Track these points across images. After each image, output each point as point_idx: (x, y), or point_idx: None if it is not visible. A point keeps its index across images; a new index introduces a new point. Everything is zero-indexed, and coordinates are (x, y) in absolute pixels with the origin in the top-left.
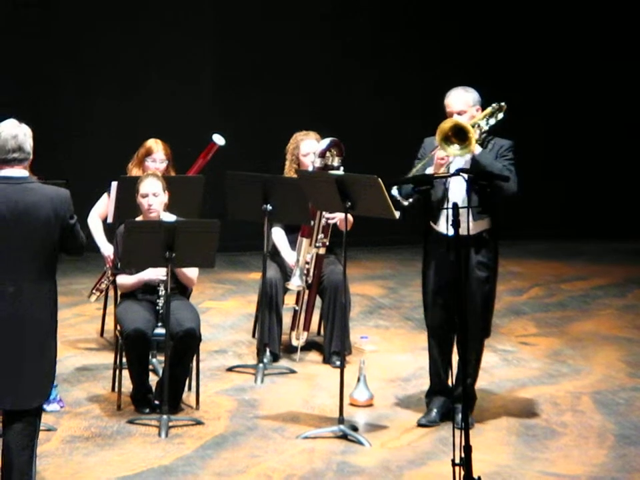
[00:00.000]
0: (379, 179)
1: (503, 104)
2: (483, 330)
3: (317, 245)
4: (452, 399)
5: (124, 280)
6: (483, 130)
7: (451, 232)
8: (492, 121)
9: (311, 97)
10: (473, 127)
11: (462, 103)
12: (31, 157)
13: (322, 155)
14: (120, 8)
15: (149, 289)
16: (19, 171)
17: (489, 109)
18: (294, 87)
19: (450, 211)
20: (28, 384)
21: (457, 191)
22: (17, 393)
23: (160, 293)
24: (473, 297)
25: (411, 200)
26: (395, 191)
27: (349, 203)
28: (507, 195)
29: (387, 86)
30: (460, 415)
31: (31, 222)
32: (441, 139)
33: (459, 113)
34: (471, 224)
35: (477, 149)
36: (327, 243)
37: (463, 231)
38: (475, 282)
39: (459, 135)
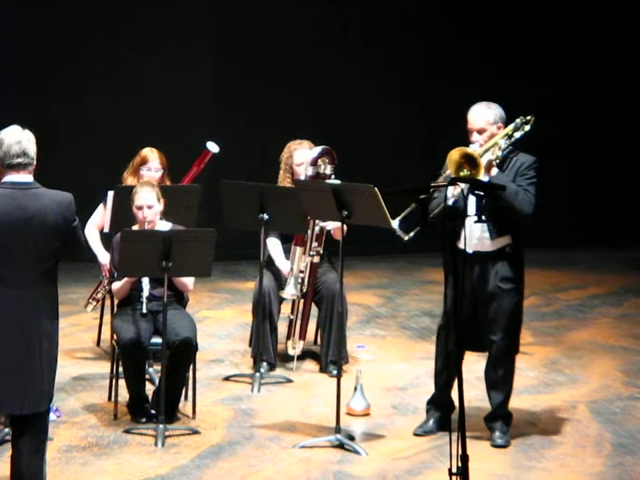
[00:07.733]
0: (376, 188)
1: (529, 117)
2: (510, 346)
3: (311, 253)
4: (460, 411)
5: (115, 285)
6: (502, 148)
7: (465, 247)
8: (518, 134)
9: (307, 105)
10: (490, 148)
11: (482, 120)
12: (35, 162)
13: (314, 163)
14: (118, 17)
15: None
16: (25, 176)
17: (511, 126)
18: (289, 95)
19: (467, 227)
20: (36, 387)
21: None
22: (27, 396)
23: (141, 299)
24: (498, 312)
25: (411, 235)
26: (396, 224)
27: (346, 212)
28: (522, 216)
29: (387, 94)
30: (497, 433)
31: (41, 227)
32: (454, 169)
33: (479, 131)
34: (489, 240)
35: (494, 171)
36: (321, 252)
37: (483, 247)
38: (499, 297)
39: (470, 162)
